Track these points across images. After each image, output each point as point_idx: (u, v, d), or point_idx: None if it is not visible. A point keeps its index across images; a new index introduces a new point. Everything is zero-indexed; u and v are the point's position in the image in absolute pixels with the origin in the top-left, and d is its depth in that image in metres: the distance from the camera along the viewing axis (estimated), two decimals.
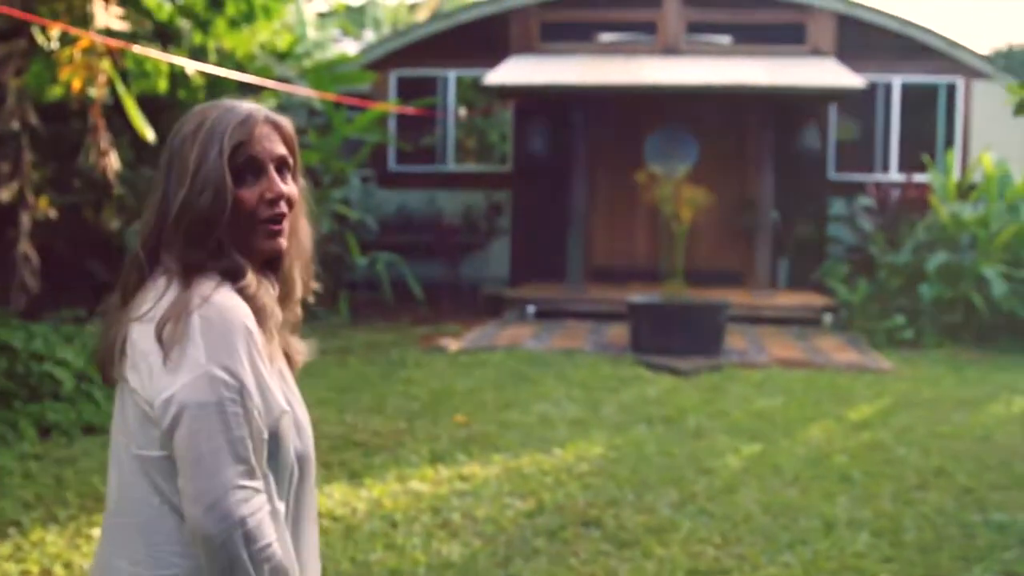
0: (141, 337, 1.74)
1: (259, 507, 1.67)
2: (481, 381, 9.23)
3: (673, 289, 10.66)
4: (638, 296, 10.73)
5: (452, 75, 15.00)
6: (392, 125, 15.05)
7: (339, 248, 12.12)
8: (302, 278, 1.94)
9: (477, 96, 15.05)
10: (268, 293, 1.83)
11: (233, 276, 1.78)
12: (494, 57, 14.30)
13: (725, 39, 14.56)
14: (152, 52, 9.05)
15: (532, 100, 14.07)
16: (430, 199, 14.89)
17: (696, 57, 14.18)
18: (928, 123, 14.61)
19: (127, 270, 1.85)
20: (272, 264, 1.89)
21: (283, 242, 1.84)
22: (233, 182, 1.76)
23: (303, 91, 11.78)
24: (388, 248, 13.75)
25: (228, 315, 1.72)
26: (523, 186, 14.79)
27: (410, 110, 13.73)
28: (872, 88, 13.69)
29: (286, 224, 1.84)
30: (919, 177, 13.58)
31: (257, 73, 11.58)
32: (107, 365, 1.84)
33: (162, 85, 13.09)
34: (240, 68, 11.93)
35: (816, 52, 14.42)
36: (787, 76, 12.75)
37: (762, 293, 12.84)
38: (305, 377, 2.08)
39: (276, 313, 1.83)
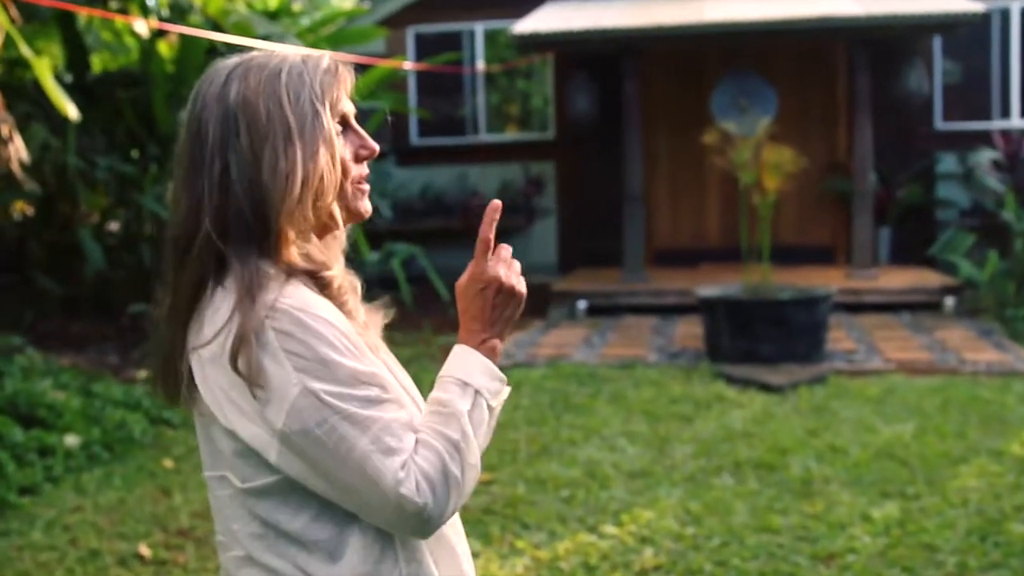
0: (214, 370, 1.50)
1: (424, 467, 1.48)
2: (513, 411, 7.08)
3: (757, 276, 8.39)
4: (713, 288, 8.48)
5: (480, 28, 12.81)
6: (412, 92, 12.91)
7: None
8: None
9: (510, 53, 12.84)
10: (344, 275, 1.61)
11: (313, 267, 1.54)
12: (528, 5, 12.11)
13: None
14: (64, 4, 6.93)
15: (574, 52, 11.85)
16: (461, 176, 12.75)
17: None
18: None
19: (180, 279, 1.55)
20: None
21: (369, 203, 1.64)
22: None
23: (296, 50, 9.67)
24: (413, 236, 11.65)
25: (303, 317, 1.47)
26: (569, 156, 12.59)
27: (415, 65, 11.55)
28: (986, 17, 11.24)
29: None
30: None
31: (235, 31, 9.49)
32: (171, 391, 1.59)
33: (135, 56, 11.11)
34: (216, 28, 9.85)
35: None
36: (883, 4, 10.38)
37: (862, 273, 10.52)
38: None
39: (347, 285, 1.61)
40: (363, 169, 1.62)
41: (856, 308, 10.05)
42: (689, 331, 9.24)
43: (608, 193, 11.64)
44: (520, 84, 13.39)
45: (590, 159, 12.30)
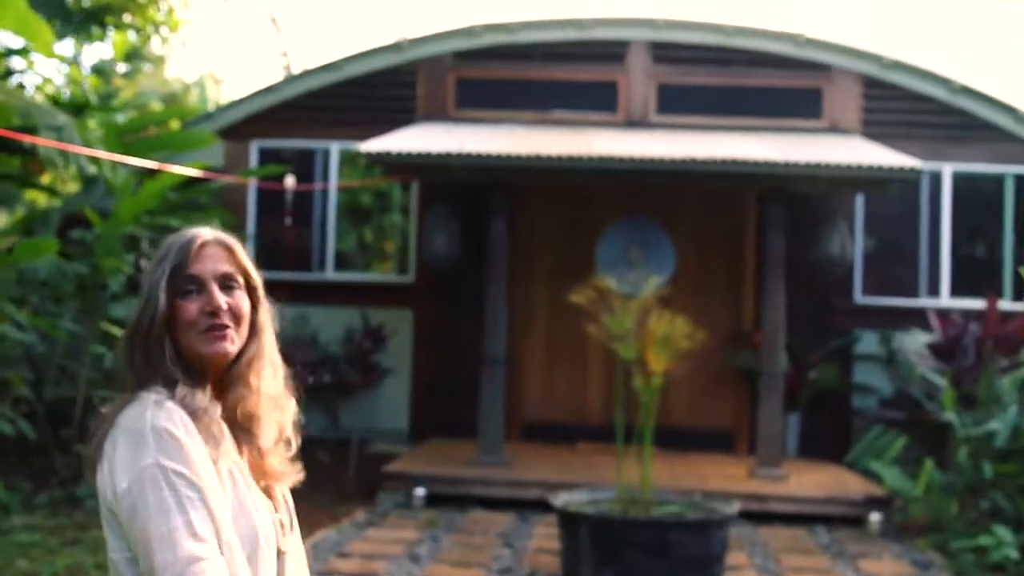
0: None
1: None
2: None
3: (636, 472, 6.37)
4: (575, 494, 6.41)
5: (336, 148, 10.89)
6: (251, 214, 10.87)
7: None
8: (272, 389, 2.04)
9: (372, 175, 10.94)
10: (201, 397, 1.92)
11: (168, 384, 1.90)
12: (394, 124, 10.28)
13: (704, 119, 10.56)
14: None
15: (437, 181, 9.99)
16: (301, 318, 10.62)
17: (670, 132, 10.19)
18: (992, 228, 10.61)
19: None
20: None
21: (228, 346, 1.95)
22: (179, 297, 1.94)
23: (76, 149, 7.59)
24: None
25: (142, 424, 1.83)
26: (427, 303, 10.60)
27: (217, 175, 9.50)
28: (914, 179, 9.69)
29: (231, 332, 1.95)
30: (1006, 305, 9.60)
31: None
32: None
33: None
34: None
35: (835, 129, 10.45)
36: (804, 153, 8.73)
37: (769, 472, 8.60)
38: None
39: (211, 414, 1.92)
40: (212, 320, 1.93)
41: (761, 518, 8.08)
42: (548, 543, 7.12)
43: (471, 351, 9.62)
44: (394, 218, 11.46)
45: (449, 309, 10.34)
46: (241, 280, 2.00)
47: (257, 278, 2.05)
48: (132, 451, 1.78)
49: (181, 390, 1.89)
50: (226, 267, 1.98)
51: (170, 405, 1.85)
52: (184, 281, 1.93)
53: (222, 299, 1.94)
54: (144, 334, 1.92)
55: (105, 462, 1.83)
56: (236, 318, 1.96)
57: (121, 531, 1.81)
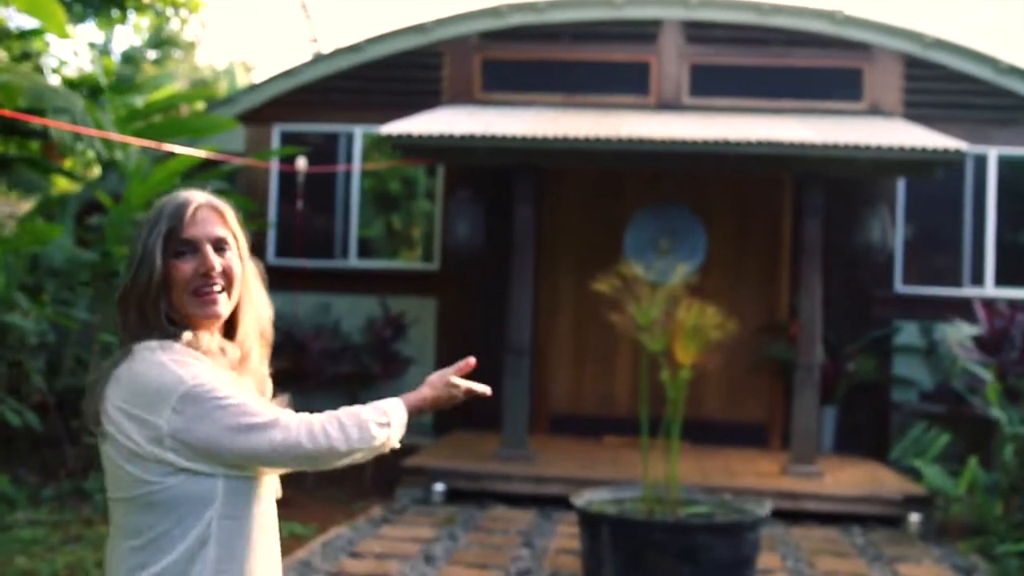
0: (108, 396, 1.98)
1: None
2: None
3: (662, 468, 6.04)
4: (597, 493, 6.10)
5: (359, 132, 10.61)
6: (273, 200, 10.62)
7: None
8: (259, 345, 2.16)
9: (396, 159, 10.65)
10: (208, 339, 2.03)
11: (164, 339, 1.99)
12: (419, 107, 10.01)
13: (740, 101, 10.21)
14: None
15: (462, 165, 9.71)
16: (323, 306, 10.38)
17: (704, 115, 9.83)
18: None
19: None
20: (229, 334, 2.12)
21: (219, 308, 2.05)
22: (173, 258, 2.02)
23: (85, 131, 7.36)
24: None
25: (153, 366, 1.94)
26: (452, 292, 10.31)
27: (223, 156, 9.20)
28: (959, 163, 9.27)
29: (223, 294, 2.05)
30: None
31: None
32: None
33: None
34: None
35: (876, 110, 10.05)
36: (844, 134, 8.36)
37: (803, 468, 8.25)
38: None
39: (229, 351, 2.07)
40: (205, 281, 2.02)
41: (795, 517, 7.74)
42: (570, 543, 6.82)
43: (496, 341, 9.32)
44: (421, 204, 11.17)
45: (474, 297, 10.05)
46: (233, 243, 2.09)
47: (244, 241, 2.13)
48: (156, 393, 1.90)
49: (187, 334, 2.00)
50: (219, 230, 2.07)
51: (176, 345, 1.97)
52: (179, 244, 2.02)
53: (217, 260, 2.03)
54: (140, 294, 2.00)
55: (123, 417, 1.92)
56: (228, 279, 2.05)
57: (157, 465, 1.91)
